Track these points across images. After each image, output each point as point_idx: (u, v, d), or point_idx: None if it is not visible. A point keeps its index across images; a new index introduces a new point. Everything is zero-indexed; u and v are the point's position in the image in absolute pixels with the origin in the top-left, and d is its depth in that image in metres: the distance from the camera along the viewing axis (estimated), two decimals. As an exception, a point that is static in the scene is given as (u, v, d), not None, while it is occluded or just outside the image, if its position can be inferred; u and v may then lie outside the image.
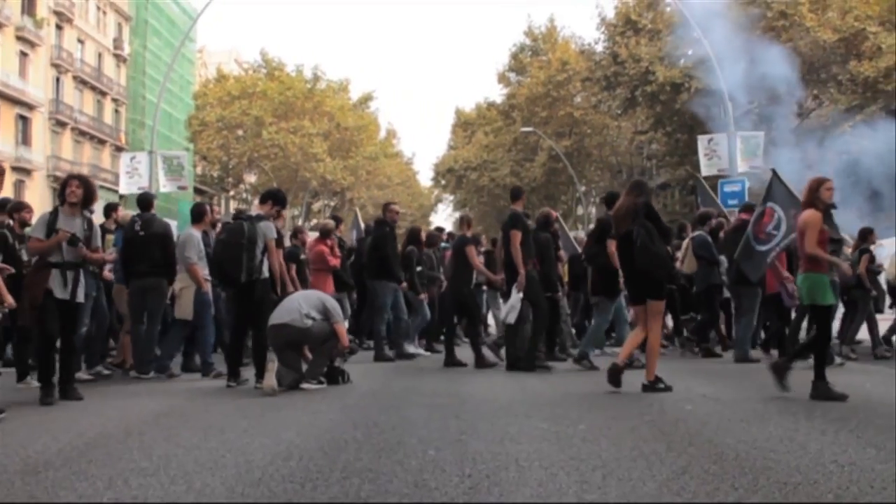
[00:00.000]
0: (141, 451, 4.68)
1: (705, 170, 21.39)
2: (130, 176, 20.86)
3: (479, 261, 10.44)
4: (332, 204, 51.15)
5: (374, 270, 11.24)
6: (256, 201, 9.17)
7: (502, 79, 50.21)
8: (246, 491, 3.74)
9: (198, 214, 9.68)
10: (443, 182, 52.43)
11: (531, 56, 47.87)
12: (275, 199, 8.63)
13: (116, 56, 51.41)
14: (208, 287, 9.18)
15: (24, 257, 7.74)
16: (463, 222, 11.13)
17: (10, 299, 6.54)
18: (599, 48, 40.01)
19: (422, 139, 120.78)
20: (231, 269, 7.84)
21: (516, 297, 9.37)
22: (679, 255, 11.37)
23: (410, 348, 11.58)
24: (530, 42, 48.80)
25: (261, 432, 5.32)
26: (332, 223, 12.88)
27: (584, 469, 4.06)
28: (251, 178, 51.28)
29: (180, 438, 5.08)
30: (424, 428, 5.42)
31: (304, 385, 7.75)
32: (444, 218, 66.21)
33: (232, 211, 36.42)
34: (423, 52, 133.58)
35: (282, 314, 7.92)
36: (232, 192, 56.28)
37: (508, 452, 4.49)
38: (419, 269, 12.08)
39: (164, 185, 21.30)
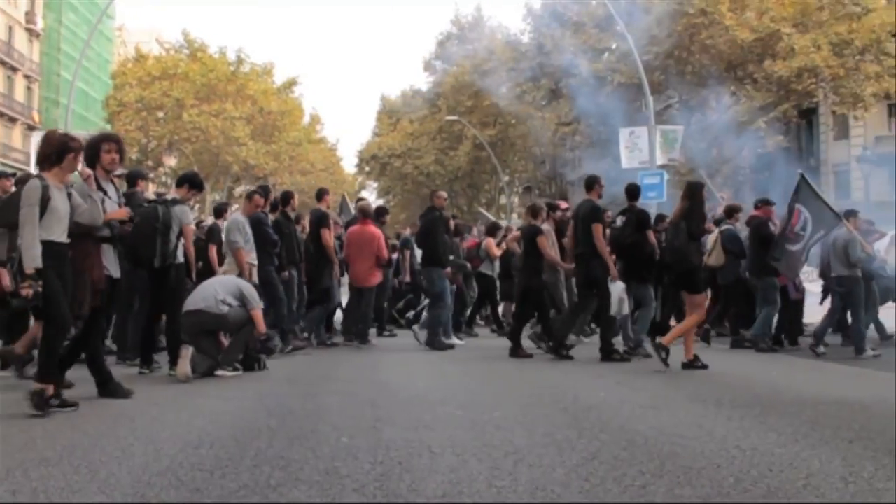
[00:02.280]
0: (45, 440, 4.54)
1: (626, 162, 21.81)
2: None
3: (551, 251, 10.01)
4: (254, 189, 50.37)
5: (426, 258, 11.04)
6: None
7: (428, 67, 50.17)
8: (152, 480, 3.67)
9: (247, 198, 9.83)
10: (367, 169, 52.05)
11: (457, 45, 47.90)
12: (191, 182, 8.45)
13: (29, 31, 49.41)
14: (252, 272, 9.08)
15: None
16: (533, 211, 10.37)
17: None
18: (525, 39, 40.30)
19: (346, 125, 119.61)
20: (145, 253, 7.63)
21: (618, 288, 9.38)
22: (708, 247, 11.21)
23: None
24: (457, 31, 48.83)
25: (172, 420, 5.23)
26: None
27: (496, 456, 4.10)
28: (171, 161, 50.03)
29: (87, 427, 4.96)
30: (339, 415, 5.41)
31: (219, 372, 7.64)
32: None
33: (151, 195, 35.42)
34: (348, 38, 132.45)
35: (197, 300, 7.78)
36: (151, 176, 54.85)
37: (422, 439, 4.51)
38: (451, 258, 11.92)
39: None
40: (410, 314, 13.85)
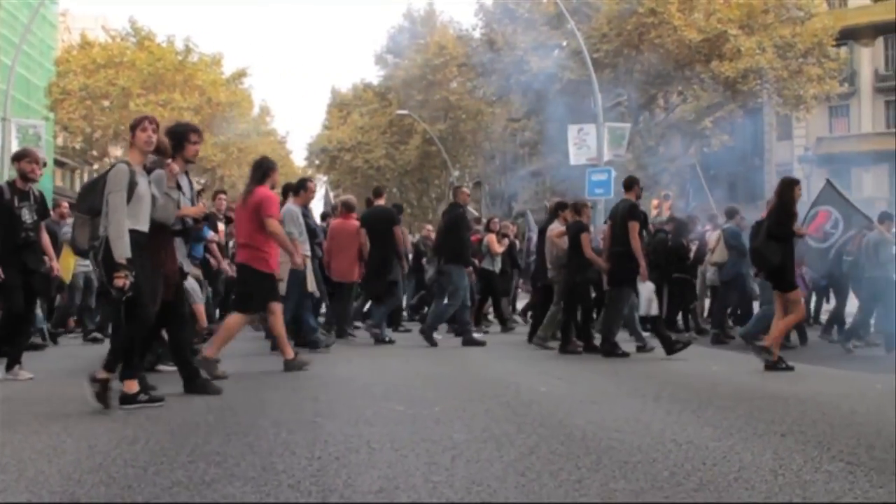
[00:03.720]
0: (-27, 437, 4.41)
1: (574, 159, 21.98)
2: (-22, 145, 19.58)
3: (590, 249, 9.91)
4: (202, 181, 49.67)
5: (450, 254, 10.84)
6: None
7: (379, 60, 50.03)
8: (83, 478, 3.59)
9: (297, 188, 9.68)
10: (317, 162, 51.65)
11: (409, 39, 47.83)
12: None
13: (-35, 13, 47.98)
14: (304, 263, 8.95)
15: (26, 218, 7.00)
16: (576, 208, 10.19)
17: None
18: (477, 34, 40.39)
19: (296, 118, 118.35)
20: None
21: (648, 288, 9.38)
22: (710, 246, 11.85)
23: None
24: (409, 25, 48.76)
25: (109, 416, 5.12)
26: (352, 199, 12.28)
27: (435, 451, 4.10)
28: (117, 152, 48.98)
29: (19, 424, 4.82)
30: (280, 410, 5.36)
31: (160, 366, 7.50)
32: (317, 199, 65.34)
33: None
34: (299, 30, 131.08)
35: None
36: (96, 166, 53.65)
37: (361, 434, 4.49)
38: None
39: (18, 156, 20.07)
40: (424, 310, 13.75)
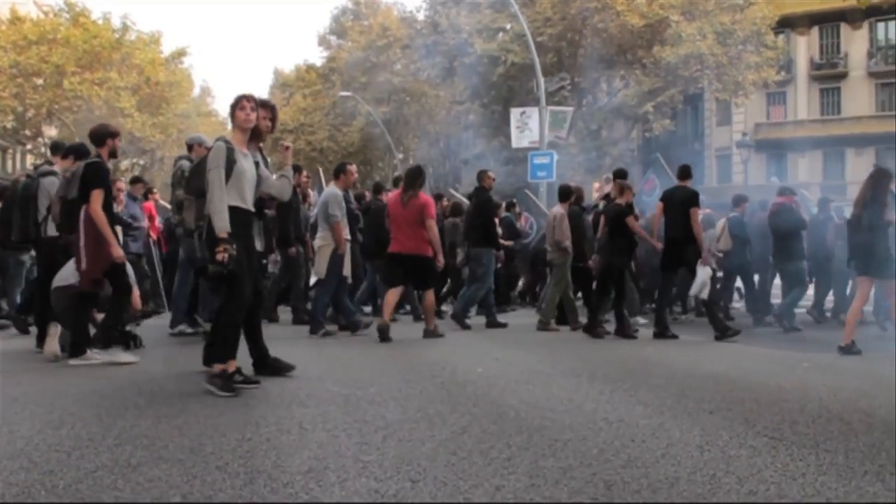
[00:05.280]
0: None
1: (516, 142, 22.08)
2: None
3: (641, 229, 10.14)
4: (141, 162, 48.65)
5: (478, 238, 10.85)
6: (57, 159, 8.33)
7: (323, 41, 49.51)
8: (2, 464, 3.49)
9: (336, 171, 9.84)
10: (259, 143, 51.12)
11: (353, 20, 47.40)
12: (78, 153, 8.14)
13: None
14: (347, 247, 9.15)
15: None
16: (620, 190, 10.15)
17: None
18: (421, 16, 40.22)
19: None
20: (3, 229, 7.27)
21: (705, 272, 9.71)
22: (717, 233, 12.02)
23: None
24: (353, 6, 48.32)
25: (34, 400, 4.99)
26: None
27: (367, 431, 4.09)
28: (51, 132, 47.64)
29: (-61, 408, 4.68)
30: (212, 393, 5.27)
31: (90, 353, 7.35)
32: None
33: (28, 166, 33.76)
34: (241, 10, 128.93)
35: (67, 276, 7.43)
36: (29, 146, 52.08)
37: (294, 416, 4.46)
38: None
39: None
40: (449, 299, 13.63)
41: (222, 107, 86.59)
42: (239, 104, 5.57)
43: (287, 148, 6.17)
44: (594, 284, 10.38)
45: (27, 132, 44.76)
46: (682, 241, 9.53)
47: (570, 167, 29.06)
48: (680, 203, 9.62)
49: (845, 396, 5.23)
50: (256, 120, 5.64)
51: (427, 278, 9.31)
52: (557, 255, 10.53)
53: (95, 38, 40.99)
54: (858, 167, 38.74)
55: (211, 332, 5.95)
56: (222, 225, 5.22)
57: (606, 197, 11.20)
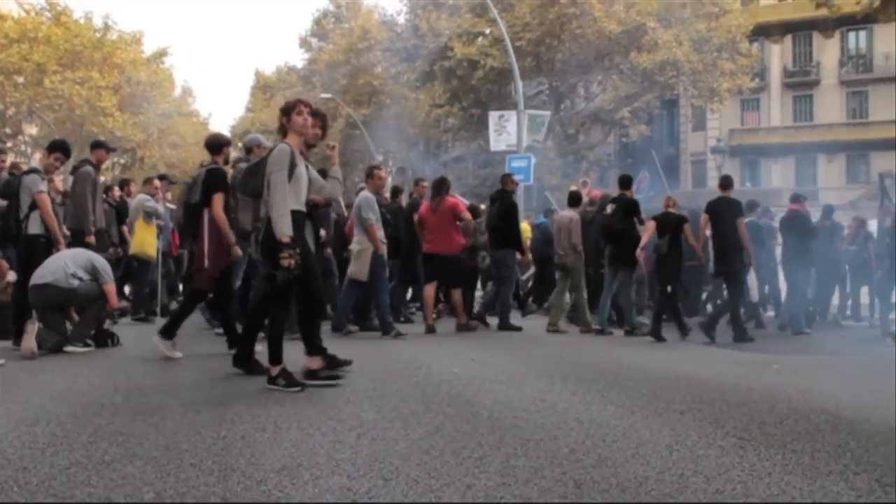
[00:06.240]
0: None
1: (494, 145, 22.14)
2: None
3: (693, 239, 10.49)
4: (122, 162, 48.30)
5: (502, 240, 10.86)
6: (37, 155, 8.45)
7: (304, 44, 49.47)
8: (-27, 460, 3.49)
9: (366, 176, 10.09)
10: (240, 144, 50.87)
11: (334, 22, 47.36)
12: (63, 150, 8.32)
13: None
14: (384, 249, 9.26)
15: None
16: (668, 202, 10.61)
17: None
18: (402, 20, 40.27)
19: (219, 100, 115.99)
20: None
21: (751, 277, 10.31)
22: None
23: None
24: (334, 9, 48.31)
25: (9, 398, 5.00)
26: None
27: (341, 429, 4.12)
28: (32, 130, 47.21)
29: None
30: (190, 391, 5.30)
31: (69, 348, 7.38)
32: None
33: (7, 164, 33.25)
34: (223, 12, 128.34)
35: (45, 273, 7.45)
36: (9, 144, 51.54)
37: (269, 414, 4.48)
38: None
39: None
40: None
41: (204, 107, 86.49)
42: (297, 108, 5.56)
43: (333, 147, 6.19)
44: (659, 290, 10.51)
45: (7, 130, 44.31)
46: (729, 251, 9.95)
47: (548, 171, 29.21)
48: (725, 214, 10.03)
49: (813, 398, 5.32)
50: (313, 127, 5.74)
51: (454, 276, 10.24)
52: (572, 259, 10.79)
53: (77, 38, 40.66)
54: (830, 173, 39.27)
55: (241, 336, 6.20)
56: (285, 230, 5.18)
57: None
